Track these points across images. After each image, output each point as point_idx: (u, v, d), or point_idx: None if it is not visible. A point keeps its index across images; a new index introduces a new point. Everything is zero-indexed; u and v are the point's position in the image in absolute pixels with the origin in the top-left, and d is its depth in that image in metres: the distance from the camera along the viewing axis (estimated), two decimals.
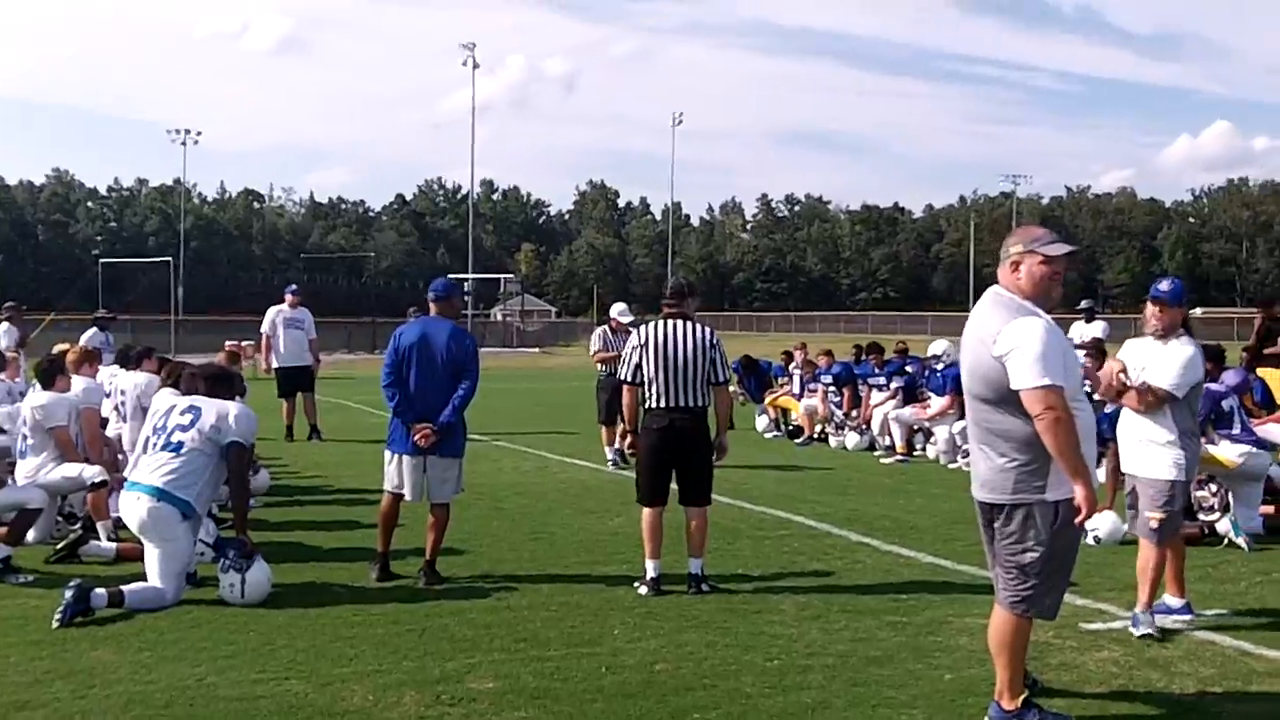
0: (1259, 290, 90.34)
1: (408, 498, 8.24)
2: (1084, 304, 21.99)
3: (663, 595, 7.67)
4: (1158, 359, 6.59)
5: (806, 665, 6.13)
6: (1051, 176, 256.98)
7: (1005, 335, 4.96)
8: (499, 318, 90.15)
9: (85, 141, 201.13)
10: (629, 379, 8.09)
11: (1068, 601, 5.96)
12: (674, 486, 8.08)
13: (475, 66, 76.63)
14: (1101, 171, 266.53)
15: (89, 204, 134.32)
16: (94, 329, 18.66)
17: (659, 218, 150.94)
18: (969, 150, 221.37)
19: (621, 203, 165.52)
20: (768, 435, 18.47)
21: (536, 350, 65.36)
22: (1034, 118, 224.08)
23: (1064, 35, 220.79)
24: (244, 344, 24.86)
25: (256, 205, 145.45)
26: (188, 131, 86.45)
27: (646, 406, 8.02)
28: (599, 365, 14.99)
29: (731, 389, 20.00)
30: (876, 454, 15.73)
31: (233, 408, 7.89)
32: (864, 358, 17.66)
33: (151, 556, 7.49)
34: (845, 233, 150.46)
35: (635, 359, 8.01)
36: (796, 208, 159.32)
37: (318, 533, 10.01)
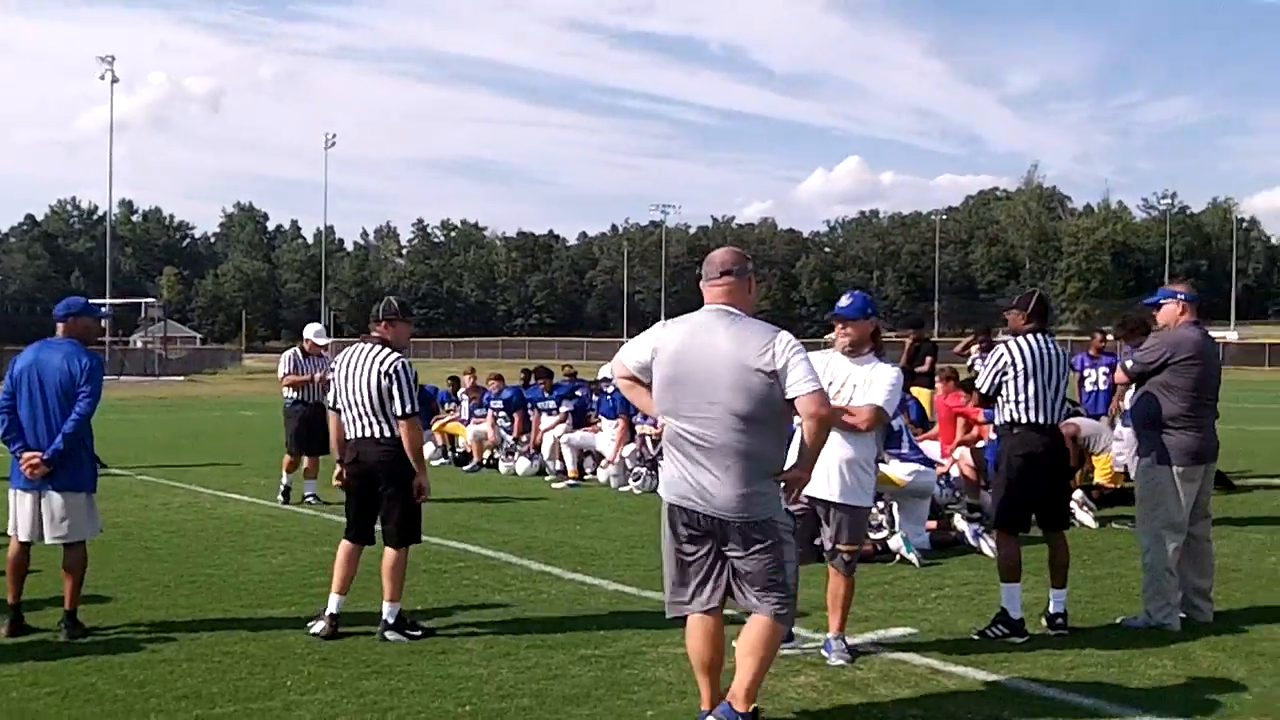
0: (889, 316, 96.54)
1: (20, 537, 7.36)
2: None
3: (338, 638, 7.14)
4: (865, 378, 6.59)
5: (500, 710, 5.77)
6: (698, 207, 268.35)
7: (777, 349, 5.01)
8: (139, 345, 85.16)
9: None
10: (332, 404, 7.57)
11: None
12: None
13: (114, 80, 72.37)
14: (745, 203, 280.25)
15: None
16: None
17: (311, 242, 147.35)
18: (620, 180, 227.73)
19: (271, 226, 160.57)
20: (435, 462, 17.92)
21: (181, 379, 62.00)
22: (681, 150, 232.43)
23: (710, 72, 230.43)
24: None
25: None
26: None
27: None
28: (287, 391, 13.67)
29: None
30: (548, 478, 15.56)
31: None
32: (533, 382, 17.48)
33: None
34: (501, 259, 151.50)
35: (337, 383, 7.49)
36: (453, 234, 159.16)
37: None
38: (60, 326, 7.60)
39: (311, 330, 13.91)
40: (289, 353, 13.87)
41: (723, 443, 5.02)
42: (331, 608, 7.36)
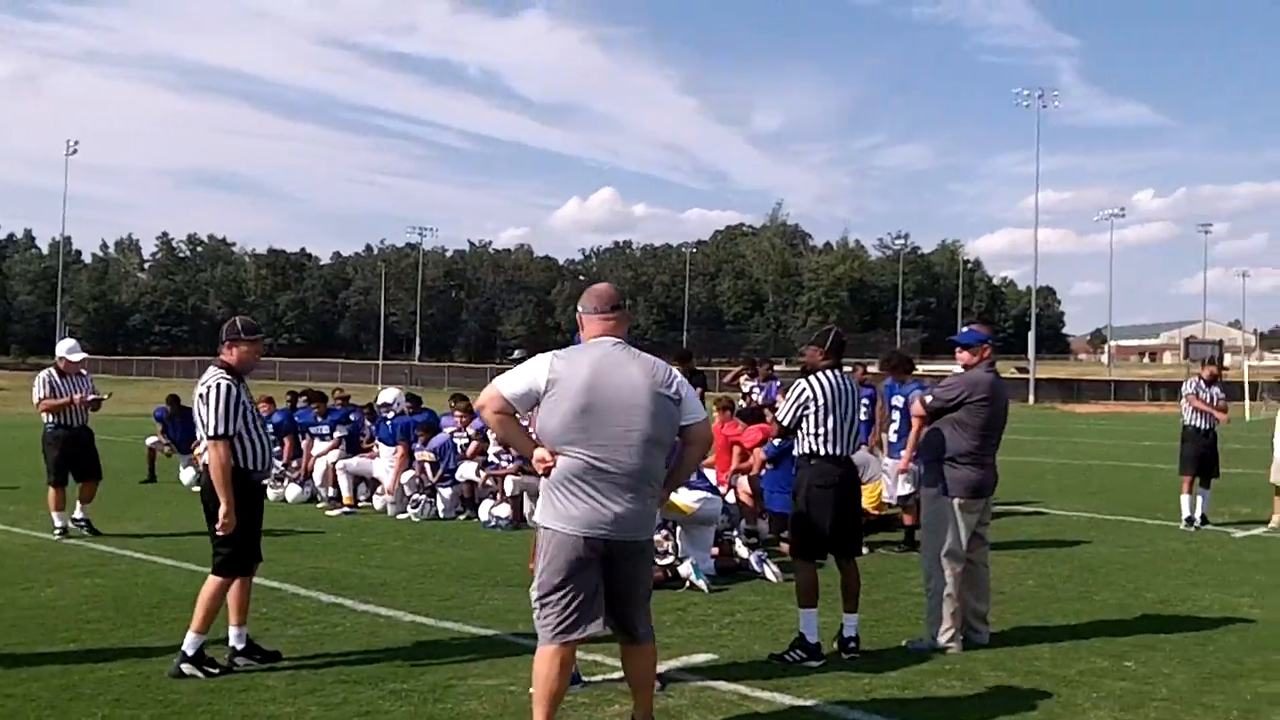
0: (641, 346, 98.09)
1: None
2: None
3: (128, 678, 6.84)
4: None
5: None
6: (455, 230, 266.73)
7: (677, 379, 5.46)
8: None
9: None
10: None
11: None
12: None
13: None
14: (500, 228, 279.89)
15: None
16: None
17: (46, 252, 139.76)
18: (375, 200, 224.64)
19: (2, 234, 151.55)
20: (195, 488, 17.24)
21: None
22: (438, 173, 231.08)
23: (468, 96, 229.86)
24: None
25: None
26: None
27: None
28: (46, 416, 12.47)
29: (153, 439, 18.82)
30: (320, 505, 15.22)
31: None
32: (302, 405, 17.07)
33: None
34: (251, 276, 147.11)
35: None
36: (199, 248, 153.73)
37: None
38: None
39: (64, 347, 12.76)
40: (43, 374, 12.63)
41: (637, 468, 5.23)
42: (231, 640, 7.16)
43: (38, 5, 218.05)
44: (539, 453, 5.30)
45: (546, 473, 5.28)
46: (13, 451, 23.44)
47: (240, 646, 7.16)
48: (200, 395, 7.07)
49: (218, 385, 7.04)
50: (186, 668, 6.91)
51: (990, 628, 8.00)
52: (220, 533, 7.02)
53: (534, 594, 5.37)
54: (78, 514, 12.53)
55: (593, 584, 5.27)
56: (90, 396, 12.54)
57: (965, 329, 8.26)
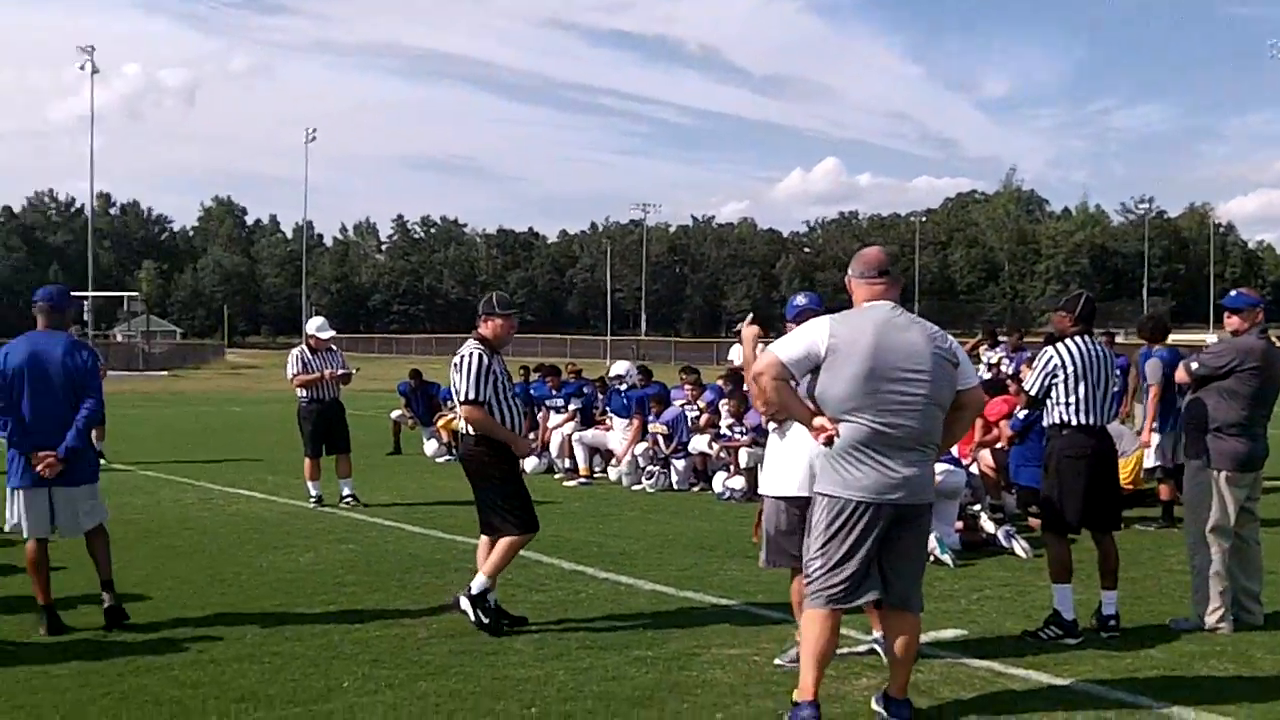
0: None
1: (26, 534, 7.31)
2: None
3: (384, 639, 7.08)
4: None
5: (567, 712, 5.71)
6: (677, 206, 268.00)
7: (954, 344, 5.42)
8: (121, 339, 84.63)
9: None
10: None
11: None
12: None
13: (95, 71, 71.74)
14: (722, 202, 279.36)
15: None
16: None
17: (290, 236, 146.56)
18: (598, 178, 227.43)
19: (250, 220, 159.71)
20: (439, 460, 17.83)
21: (165, 374, 61.59)
22: (659, 150, 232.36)
23: (687, 71, 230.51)
24: None
25: None
26: None
27: None
28: (300, 391, 12.92)
29: (398, 413, 19.50)
30: (557, 476, 15.50)
31: None
32: (539, 379, 17.40)
33: None
34: (481, 256, 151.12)
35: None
36: (432, 230, 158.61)
37: None
38: (44, 317, 7.48)
39: (314, 325, 13.28)
40: (295, 351, 13.22)
41: (920, 431, 5.21)
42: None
43: (272, 0, 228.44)
44: (819, 421, 5.22)
45: (829, 441, 5.19)
46: (265, 426, 24.65)
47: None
48: (455, 364, 7.35)
49: (471, 354, 7.29)
50: (464, 603, 7.19)
51: (1264, 608, 7.52)
52: (523, 457, 7.64)
53: (811, 560, 5.33)
54: (345, 490, 12.82)
55: (874, 551, 5.22)
56: (340, 371, 13.02)
57: (1234, 293, 7.76)
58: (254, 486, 14.38)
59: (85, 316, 68.24)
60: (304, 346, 13.18)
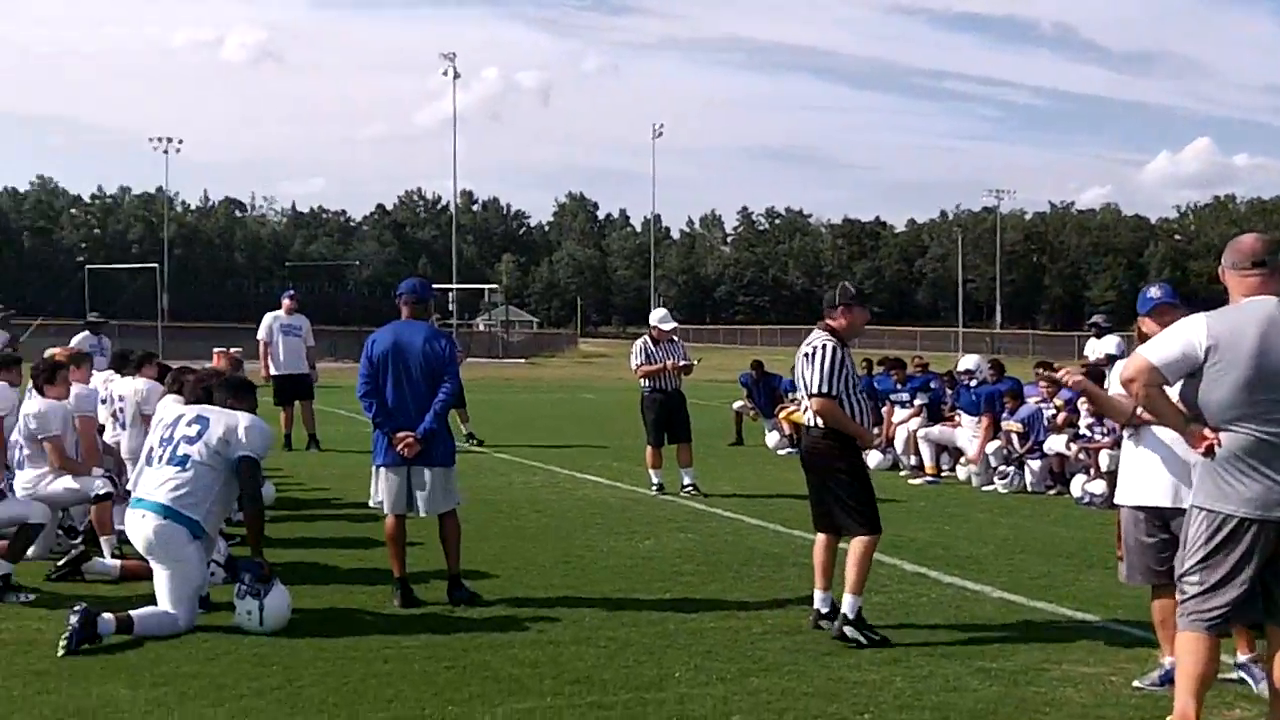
0: None
1: (387, 510, 7.67)
2: (1095, 319, 21.00)
3: (718, 631, 7.01)
4: None
5: None
6: (1033, 192, 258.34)
7: None
8: (483, 328, 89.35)
9: (68, 150, 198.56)
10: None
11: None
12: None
13: (456, 76, 76.06)
14: (1082, 187, 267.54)
15: (72, 211, 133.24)
16: (85, 332, 17.82)
17: (639, 230, 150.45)
18: (948, 165, 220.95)
19: (601, 214, 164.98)
20: (780, 451, 17.70)
21: (523, 361, 64.56)
22: (1011, 134, 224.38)
23: (1040, 51, 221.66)
24: (233, 351, 24.10)
25: (238, 214, 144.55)
26: (169, 140, 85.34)
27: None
28: (643, 381, 13.17)
29: (739, 403, 19.56)
30: (902, 474, 15.08)
31: (243, 419, 7.19)
32: (883, 372, 17.00)
33: (161, 579, 6.80)
34: (827, 246, 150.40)
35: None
36: (777, 221, 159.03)
37: (332, 550, 9.38)
38: (407, 309, 7.84)
39: (656, 316, 13.50)
40: (639, 342, 13.46)
41: None
42: (816, 604, 7.21)
43: (619, 1, 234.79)
44: (1195, 428, 4.80)
45: (1209, 452, 4.74)
46: (612, 413, 25.27)
47: (824, 610, 7.11)
48: (806, 355, 7.16)
49: (824, 345, 7.07)
50: (849, 631, 6.76)
51: None
52: (866, 447, 7.42)
53: (1186, 579, 4.90)
54: (686, 479, 12.88)
55: (1256, 571, 4.73)
56: (682, 362, 13.13)
57: None
58: (599, 472, 14.71)
59: (450, 307, 72.37)
60: (647, 338, 13.33)
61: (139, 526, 6.84)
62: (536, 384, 42.46)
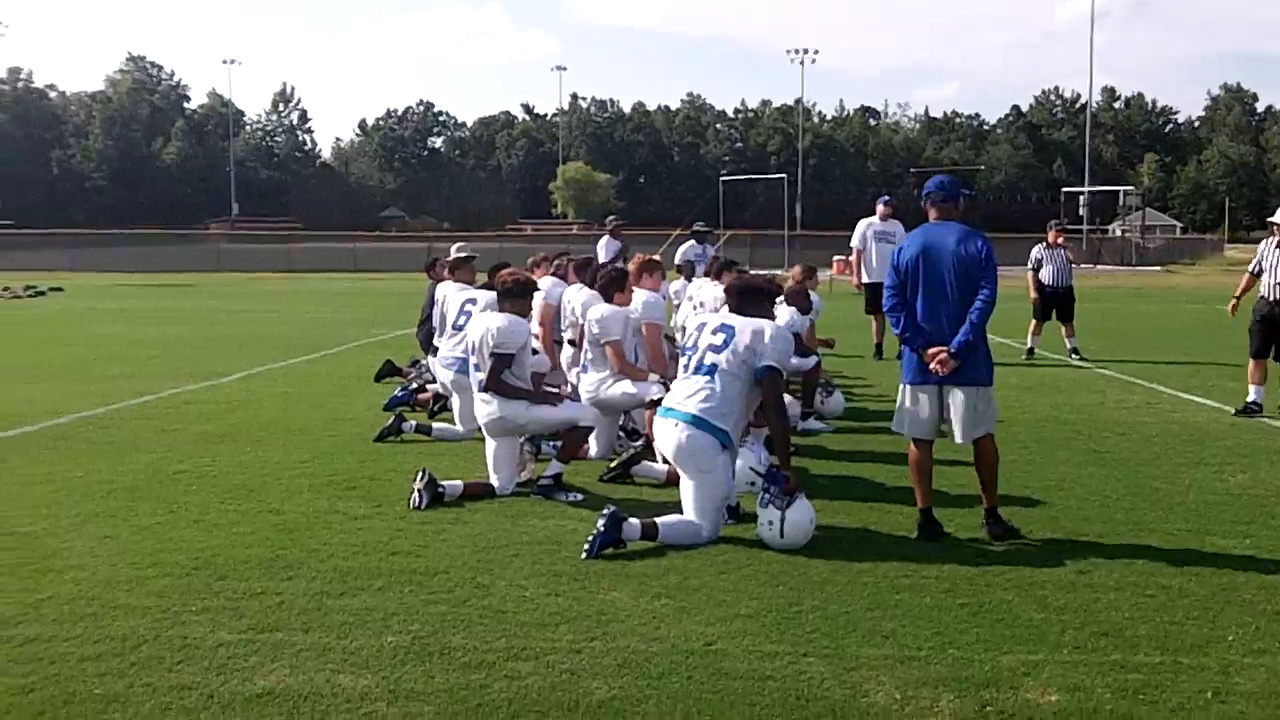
0: None
1: (909, 433, 7.04)
2: None
3: None
4: None
5: None
6: None
7: None
8: (1117, 233, 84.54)
9: (716, 67, 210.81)
10: None
11: None
12: None
13: None
14: None
15: (718, 126, 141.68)
16: (691, 241, 18.67)
17: None
18: None
19: (1260, 107, 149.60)
20: None
21: (1157, 269, 60.35)
22: None
23: None
24: (836, 259, 24.42)
25: (872, 122, 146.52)
26: (805, 51, 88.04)
27: None
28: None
29: None
30: None
31: (768, 327, 6.98)
32: None
33: (687, 489, 6.85)
34: None
35: None
36: None
37: (885, 467, 8.99)
38: (935, 210, 7.10)
39: None
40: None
41: None
42: None
43: None
44: None
45: None
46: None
47: None
48: None
49: None
50: None
51: None
52: None
53: None
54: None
55: None
56: None
57: None
58: (1209, 393, 13.24)
59: (1080, 211, 69.04)
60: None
61: (669, 435, 6.91)
62: (1170, 293, 39.45)
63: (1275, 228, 11.76)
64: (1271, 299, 11.53)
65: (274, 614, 5.45)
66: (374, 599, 5.68)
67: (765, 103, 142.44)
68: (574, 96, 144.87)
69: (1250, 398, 11.66)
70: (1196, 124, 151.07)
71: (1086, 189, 72.82)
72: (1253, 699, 4.55)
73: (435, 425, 10.24)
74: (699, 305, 11.51)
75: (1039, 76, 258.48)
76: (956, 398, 6.91)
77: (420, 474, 7.62)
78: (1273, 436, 10.50)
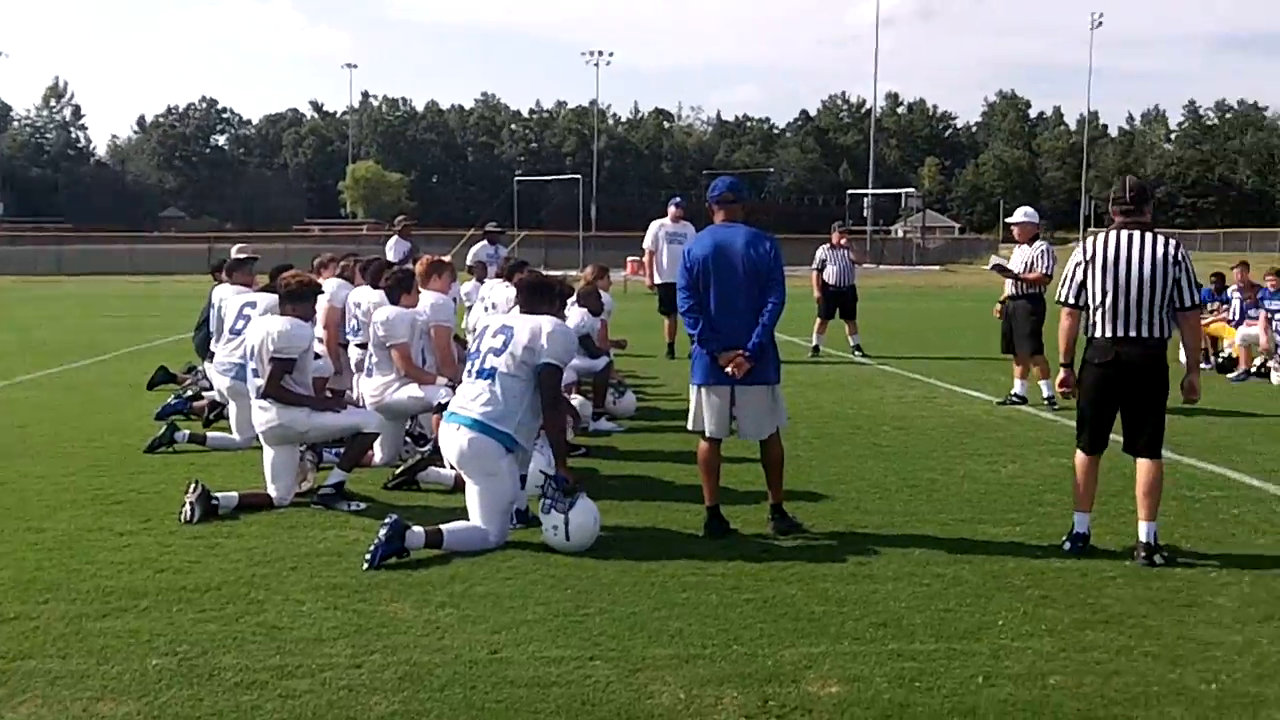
0: None
1: (708, 432, 7.08)
2: None
3: (1063, 573, 6.22)
4: None
5: (1258, 696, 4.57)
6: None
7: None
8: (899, 234, 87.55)
9: (512, 65, 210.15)
10: (1069, 300, 6.68)
11: None
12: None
13: None
14: None
15: (513, 126, 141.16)
16: (484, 242, 18.53)
17: (1073, 129, 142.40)
18: None
19: (1033, 113, 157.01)
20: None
21: (937, 268, 62.76)
22: None
23: None
24: (630, 260, 24.57)
25: (666, 125, 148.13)
26: (600, 53, 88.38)
27: (1089, 335, 6.63)
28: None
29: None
30: None
31: (546, 324, 6.92)
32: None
33: (472, 494, 6.74)
34: None
35: (1079, 277, 6.63)
36: (1228, 115, 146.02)
37: (670, 465, 9.06)
38: (722, 211, 7.20)
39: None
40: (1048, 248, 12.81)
41: None
42: (1079, 527, 6.72)
43: None
44: None
45: None
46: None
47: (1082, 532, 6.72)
48: (1178, 261, 6.53)
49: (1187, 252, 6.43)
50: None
51: None
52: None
53: None
54: (1045, 391, 12.17)
55: None
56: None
57: None
58: (984, 387, 13.82)
59: (864, 213, 71.28)
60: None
61: (452, 440, 6.79)
62: (946, 292, 41.08)
63: (1016, 229, 12.42)
64: (1006, 295, 12.25)
65: (27, 640, 5.13)
66: (138, 620, 5.39)
67: (561, 103, 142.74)
68: (365, 94, 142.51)
69: (1013, 390, 12.32)
70: (974, 129, 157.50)
71: (870, 191, 75.26)
72: (1020, 681, 4.71)
73: (210, 434, 9.86)
74: (491, 306, 11.39)
75: (828, 81, 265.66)
76: (747, 396, 6.99)
77: (192, 485, 7.31)
78: (1041, 428, 10.98)
